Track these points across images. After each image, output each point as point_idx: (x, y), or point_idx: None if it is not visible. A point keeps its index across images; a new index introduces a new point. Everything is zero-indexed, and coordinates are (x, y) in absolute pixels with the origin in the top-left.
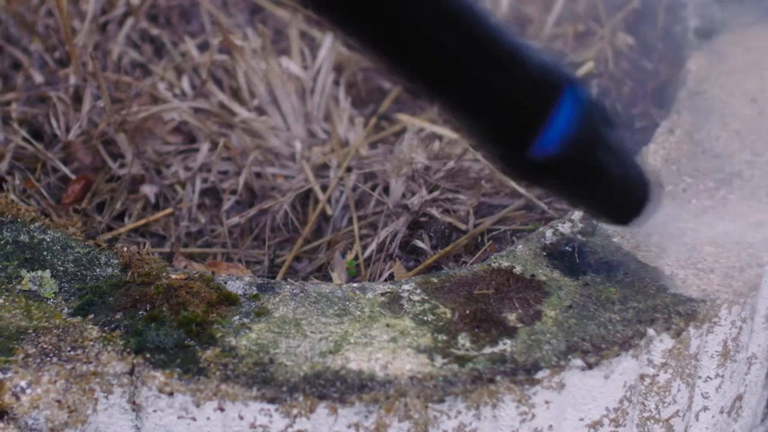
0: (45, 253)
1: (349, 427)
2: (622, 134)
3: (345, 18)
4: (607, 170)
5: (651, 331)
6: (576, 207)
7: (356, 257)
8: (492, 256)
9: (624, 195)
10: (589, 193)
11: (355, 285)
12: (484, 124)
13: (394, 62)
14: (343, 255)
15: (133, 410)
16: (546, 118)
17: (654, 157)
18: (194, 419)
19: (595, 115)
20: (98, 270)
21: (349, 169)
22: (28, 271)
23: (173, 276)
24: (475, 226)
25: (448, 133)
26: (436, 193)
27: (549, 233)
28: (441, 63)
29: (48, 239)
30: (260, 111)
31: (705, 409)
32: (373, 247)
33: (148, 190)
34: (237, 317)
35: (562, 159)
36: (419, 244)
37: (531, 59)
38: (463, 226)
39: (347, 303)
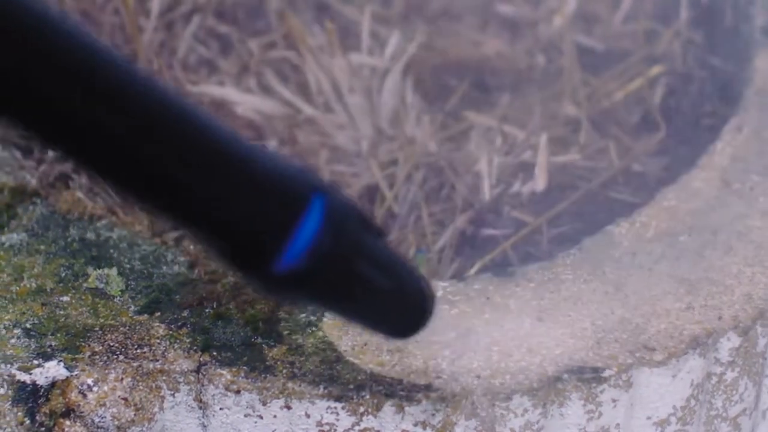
0: (111, 250)
1: (416, 425)
2: (388, 241)
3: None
4: (369, 282)
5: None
6: (346, 321)
7: (423, 253)
8: (559, 255)
9: (396, 307)
10: (353, 307)
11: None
12: (220, 240)
13: (102, 173)
14: (410, 251)
15: (200, 408)
16: (289, 230)
17: (721, 154)
18: (261, 417)
19: (349, 224)
20: (165, 268)
21: (416, 167)
22: (95, 269)
23: None
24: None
25: (515, 130)
26: (501, 188)
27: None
28: (163, 176)
29: (114, 237)
30: (327, 108)
31: None
32: (440, 243)
33: None
34: (304, 315)
35: (311, 273)
36: (486, 238)
37: (270, 168)
38: (529, 219)
39: None
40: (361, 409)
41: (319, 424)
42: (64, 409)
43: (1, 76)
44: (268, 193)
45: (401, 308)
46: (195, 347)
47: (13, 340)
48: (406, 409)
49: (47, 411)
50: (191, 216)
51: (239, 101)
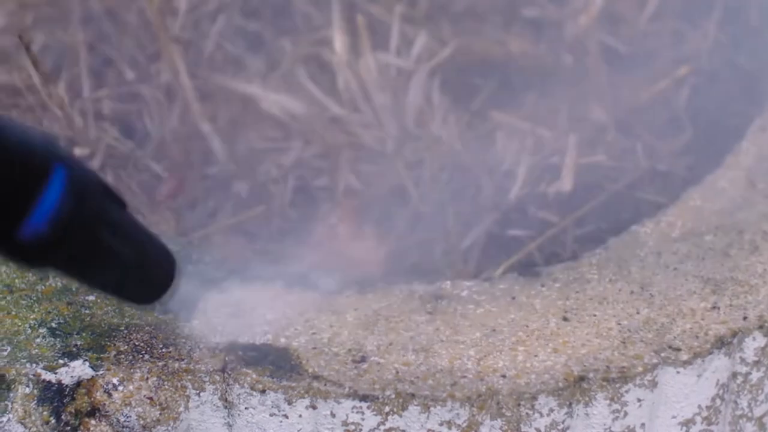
0: None
1: (441, 424)
2: (132, 211)
3: None
4: (110, 249)
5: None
6: (92, 288)
7: (449, 253)
8: (584, 255)
9: (137, 274)
10: (96, 274)
11: (447, 282)
12: None
13: None
14: (436, 251)
15: (225, 407)
16: (31, 198)
17: (747, 154)
18: (286, 417)
19: (91, 193)
20: (191, 267)
21: (442, 166)
22: None
23: None
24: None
25: (541, 130)
26: (528, 189)
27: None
28: None
29: None
30: (353, 107)
31: None
32: (466, 243)
33: (241, 187)
34: (330, 314)
35: (54, 241)
36: (512, 238)
37: (12, 138)
38: (555, 220)
39: (439, 300)
40: (387, 409)
41: (345, 423)
42: (89, 409)
43: None
44: (10, 162)
45: (142, 275)
46: (220, 347)
47: (38, 340)
48: (432, 408)
49: (73, 410)
50: None
51: (265, 97)
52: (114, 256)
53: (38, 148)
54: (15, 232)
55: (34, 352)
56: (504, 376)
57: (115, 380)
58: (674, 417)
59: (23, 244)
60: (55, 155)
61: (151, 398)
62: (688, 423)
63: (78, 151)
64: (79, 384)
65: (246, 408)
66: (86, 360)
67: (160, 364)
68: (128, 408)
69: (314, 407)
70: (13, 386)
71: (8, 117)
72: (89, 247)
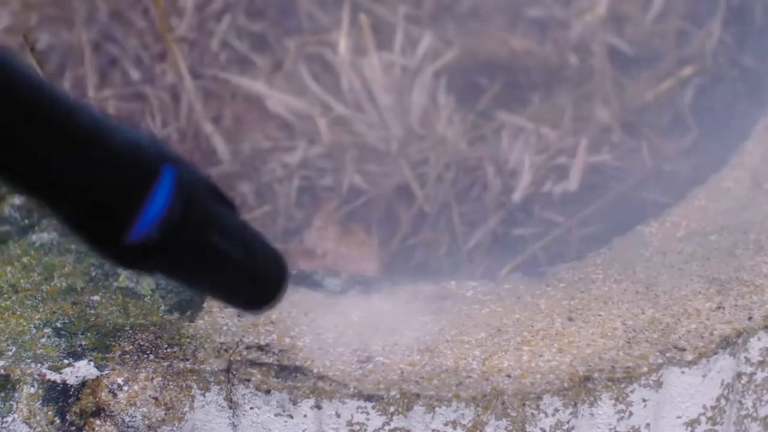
0: None
1: (446, 424)
2: (241, 214)
3: None
4: (220, 253)
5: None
6: (199, 293)
7: (454, 253)
8: (589, 255)
9: (248, 279)
10: (205, 278)
11: (452, 282)
12: (68, 211)
13: None
14: (441, 251)
15: (230, 408)
16: (140, 200)
17: (752, 154)
18: (291, 417)
19: (200, 195)
20: None
21: (447, 166)
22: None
23: None
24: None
25: (547, 130)
26: (533, 188)
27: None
28: (14, 145)
29: None
30: (358, 107)
31: None
32: (471, 243)
33: (246, 187)
34: (335, 314)
35: (162, 244)
36: (517, 239)
37: (121, 139)
38: (560, 220)
39: (444, 300)
40: (392, 409)
41: (350, 423)
42: (94, 409)
43: None
44: (119, 163)
45: (253, 280)
46: (225, 346)
47: (43, 340)
48: (437, 408)
49: (77, 410)
50: (45, 186)
51: (270, 96)
52: (222, 260)
53: (146, 148)
54: (123, 235)
55: (38, 352)
56: (509, 376)
57: (119, 380)
58: (679, 417)
59: (131, 247)
60: (164, 156)
61: (156, 398)
62: (693, 423)
63: None
64: (83, 384)
65: (251, 408)
66: (91, 360)
67: (165, 364)
68: (133, 408)
69: (319, 407)
70: (18, 386)
71: (115, 117)
72: (197, 251)
